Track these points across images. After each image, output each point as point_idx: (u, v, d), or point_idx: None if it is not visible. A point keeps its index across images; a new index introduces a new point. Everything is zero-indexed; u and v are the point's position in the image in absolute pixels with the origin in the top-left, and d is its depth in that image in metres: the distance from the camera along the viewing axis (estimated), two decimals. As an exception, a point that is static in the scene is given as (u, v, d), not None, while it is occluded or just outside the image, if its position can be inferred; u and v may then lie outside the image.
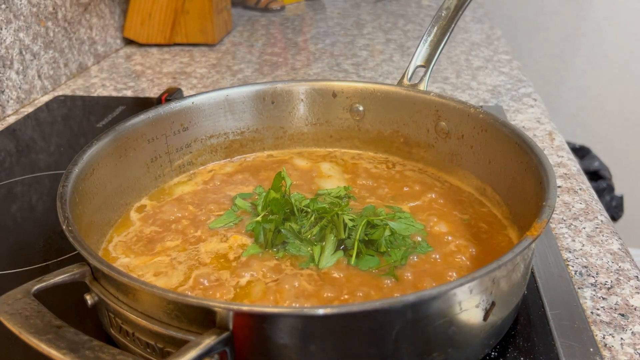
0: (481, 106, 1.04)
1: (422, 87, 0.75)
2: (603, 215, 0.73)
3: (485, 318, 0.48)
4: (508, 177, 0.64)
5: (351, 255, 0.57)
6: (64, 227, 0.50)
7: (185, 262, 0.59)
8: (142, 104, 1.09)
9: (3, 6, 1.04)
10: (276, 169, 0.74)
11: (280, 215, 0.60)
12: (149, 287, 0.43)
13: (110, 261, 0.59)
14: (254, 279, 0.55)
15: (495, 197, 0.67)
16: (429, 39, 0.78)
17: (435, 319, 0.44)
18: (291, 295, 0.53)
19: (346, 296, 0.53)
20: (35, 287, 0.46)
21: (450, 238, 0.61)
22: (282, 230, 0.59)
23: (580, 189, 0.79)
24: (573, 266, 0.64)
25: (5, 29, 1.05)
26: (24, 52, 1.10)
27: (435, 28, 0.77)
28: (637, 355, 0.52)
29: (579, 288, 0.60)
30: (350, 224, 0.58)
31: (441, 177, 0.74)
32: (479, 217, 0.65)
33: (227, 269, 0.57)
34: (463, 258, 0.58)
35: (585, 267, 0.63)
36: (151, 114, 0.70)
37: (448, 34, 0.76)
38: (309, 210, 0.62)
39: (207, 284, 0.55)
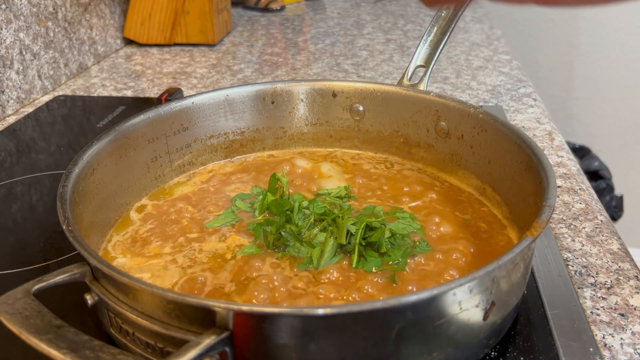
0: (481, 106, 1.04)
1: (422, 87, 0.75)
2: (603, 215, 0.73)
3: (485, 318, 0.48)
4: (508, 177, 0.64)
5: (351, 257, 0.57)
6: (64, 227, 0.50)
7: (183, 261, 0.59)
8: (142, 104, 1.09)
9: (3, 6, 1.04)
10: (276, 169, 0.74)
11: (282, 217, 0.60)
12: (149, 287, 0.43)
13: (109, 261, 0.59)
14: (251, 279, 0.55)
15: (495, 197, 0.67)
16: (429, 39, 0.78)
17: (435, 319, 0.44)
18: (290, 295, 0.53)
19: (346, 296, 0.53)
20: (36, 287, 0.46)
21: (450, 238, 0.61)
22: (283, 233, 0.59)
23: (580, 188, 0.79)
24: (573, 266, 0.64)
25: (5, 29, 1.05)
26: (24, 52, 1.10)
27: (435, 28, 0.77)
28: (637, 355, 0.52)
29: (578, 288, 0.60)
30: (352, 229, 0.58)
31: (441, 177, 0.74)
32: (478, 216, 0.65)
33: (224, 269, 0.57)
34: (463, 258, 0.58)
35: (585, 267, 0.63)
36: (151, 114, 0.70)
37: (448, 34, 0.76)
38: (309, 212, 0.62)
39: (203, 284, 0.55)
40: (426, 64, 0.77)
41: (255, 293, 0.53)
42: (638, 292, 0.59)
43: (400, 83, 0.77)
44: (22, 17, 1.09)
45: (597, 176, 1.97)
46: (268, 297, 0.53)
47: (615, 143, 2.24)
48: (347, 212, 0.62)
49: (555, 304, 0.57)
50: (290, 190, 0.68)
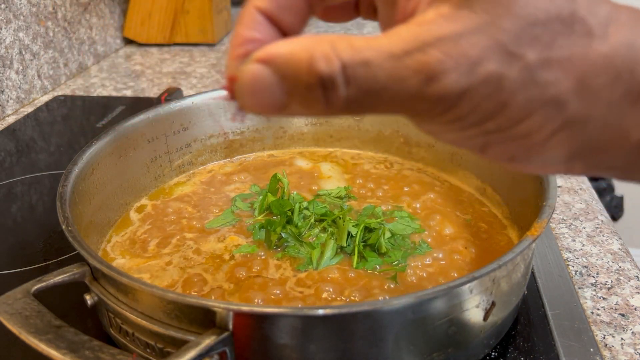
0: (481, 106, 1.04)
1: (422, 87, 0.75)
2: (603, 215, 0.73)
3: (485, 318, 0.48)
4: (508, 177, 0.64)
5: (351, 258, 0.57)
6: (64, 227, 0.50)
7: (181, 261, 0.59)
8: (142, 104, 1.09)
9: (3, 6, 1.04)
10: (276, 169, 0.74)
11: (283, 218, 0.60)
12: (148, 287, 0.43)
13: (108, 261, 0.59)
14: (251, 279, 0.55)
15: (495, 197, 0.67)
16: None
17: (435, 319, 0.44)
18: (290, 295, 0.53)
19: (346, 297, 0.53)
20: (35, 287, 0.46)
21: (450, 238, 0.61)
22: (283, 234, 0.59)
23: (580, 188, 0.79)
24: (573, 266, 0.64)
25: (5, 28, 1.05)
26: (23, 52, 1.10)
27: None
28: (637, 355, 0.52)
29: (579, 288, 0.60)
30: (353, 231, 0.58)
31: (441, 176, 0.73)
32: (479, 217, 0.65)
33: (222, 269, 0.57)
34: (463, 258, 0.58)
35: (586, 267, 0.63)
36: (151, 114, 0.70)
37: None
38: (309, 212, 0.62)
39: (202, 284, 0.55)
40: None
41: (255, 293, 0.53)
42: (638, 292, 0.59)
43: (400, 83, 0.77)
44: (21, 17, 1.09)
45: (597, 176, 1.96)
46: (267, 297, 0.53)
47: (615, 143, 2.24)
48: (347, 213, 0.62)
49: (555, 304, 0.57)
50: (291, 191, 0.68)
